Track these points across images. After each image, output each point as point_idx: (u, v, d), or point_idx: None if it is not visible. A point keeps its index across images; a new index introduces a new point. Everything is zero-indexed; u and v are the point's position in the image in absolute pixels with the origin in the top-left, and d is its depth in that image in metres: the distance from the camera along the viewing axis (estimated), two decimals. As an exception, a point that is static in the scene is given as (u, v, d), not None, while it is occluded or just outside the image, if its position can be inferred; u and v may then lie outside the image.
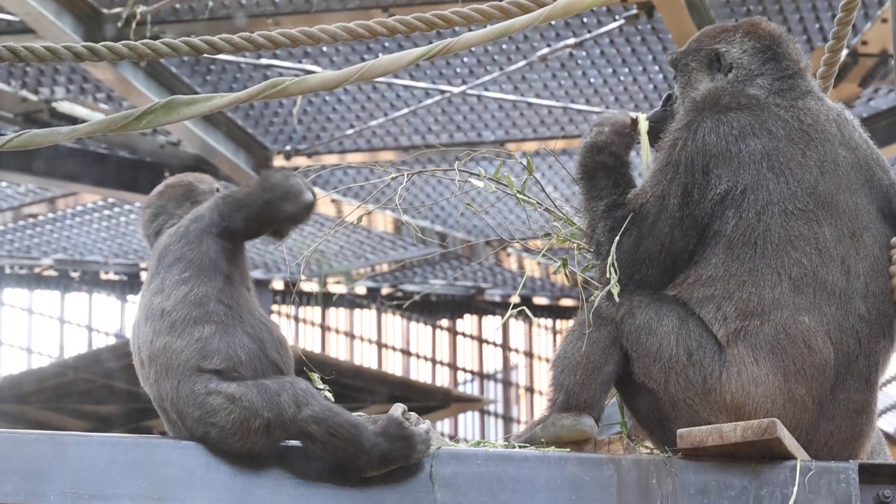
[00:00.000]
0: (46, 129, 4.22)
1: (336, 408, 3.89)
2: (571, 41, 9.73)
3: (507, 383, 16.64)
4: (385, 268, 14.77)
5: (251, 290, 4.16)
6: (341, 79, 4.26)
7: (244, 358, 3.94)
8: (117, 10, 8.75)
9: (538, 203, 4.52)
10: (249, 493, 3.81)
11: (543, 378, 15.38)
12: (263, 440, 3.85)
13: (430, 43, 4.45)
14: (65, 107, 10.34)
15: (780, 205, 4.16)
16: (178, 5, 8.88)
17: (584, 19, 9.54)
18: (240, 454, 3.84)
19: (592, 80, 10.37)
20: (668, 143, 4.31)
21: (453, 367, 16.53)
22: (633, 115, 4.48)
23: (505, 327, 16.55)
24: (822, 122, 4.30)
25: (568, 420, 4.19)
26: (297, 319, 15.91)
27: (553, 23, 9.51)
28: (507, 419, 16.47)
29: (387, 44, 9.29)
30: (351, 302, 15.83)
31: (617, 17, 9.42)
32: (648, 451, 4.29)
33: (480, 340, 16.68)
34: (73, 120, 9.98)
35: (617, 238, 4.24)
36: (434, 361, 16.46)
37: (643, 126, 4.46)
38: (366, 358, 16.22)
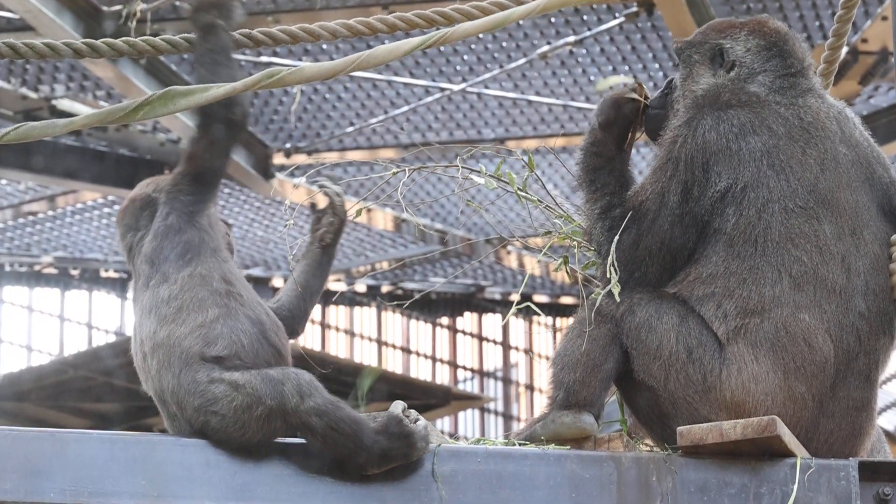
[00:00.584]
0: (43, 122, 4.20)
1: (339, 402, 3.90)
2: (571, 39, 9.72)
3: (507, 381, 16.64)
4: (385, 266, 14.76)
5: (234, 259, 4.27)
6: (337, 68, 4.25)
7: (246, 343, 3.97)
8: (117, 7, 8.74)
9: (539, 200, 4.52)
10: (249, 491, 3.81)
11: (543, 376, 15.38)
12: (264, 430, 3.85)
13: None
14: (64, 104, 10.34)
15: (780, 202, 4.16)
16: (177, 2, 8.87)
17: (584, 17, 9.54)
18: (239, 447, 3.84)
19: (593, 78, 10.37)
20: (668, 139, 4.31)
21: (453, 364, 16.54)
22: (630, 94, 4.47)
23: (505, 325, 16.55)
24: (822, 119, 4.30)
25: (568, 418, 4.19)
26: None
27: (553, 20, 9.51)
28: (507, 417, 16.47)
29: (386, 42, 9.28)
30: (351, 300, 15.83)
31: (617, 14, 9.42)
32: (648, 448, 4.29)
33: (480, 338, 16.68)
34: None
35: (616, 237, 4.24)
36: (434, 359, 16.46)
37: (638, 92, 4.47)
38: (366, 356, 16.22)
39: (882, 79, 9.67)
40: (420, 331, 16.53)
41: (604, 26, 9.55)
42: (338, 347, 16.21)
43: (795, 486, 3.91)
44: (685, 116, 4.31)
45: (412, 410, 3.93)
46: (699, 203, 4.21)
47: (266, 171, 11.30)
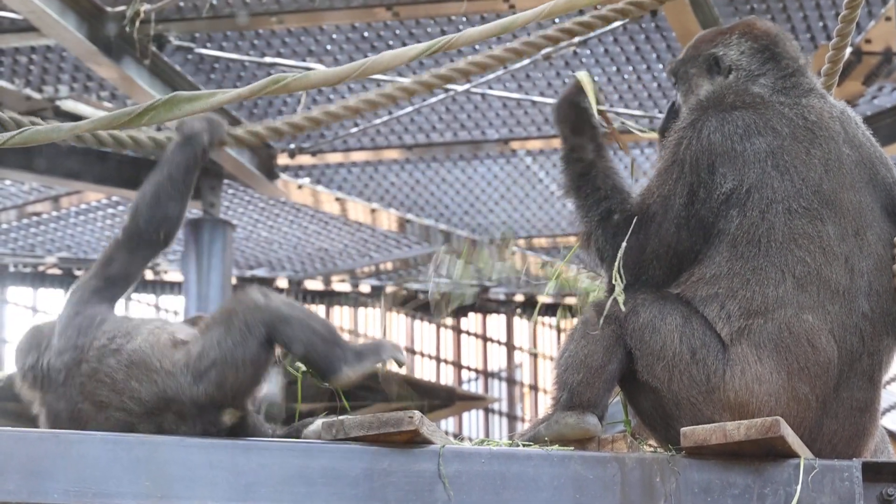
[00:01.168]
0: (48, 126, 4.21)
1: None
2: (575, 39, 9.70)
3: (511, 382, 16.63)
4: (389, 266, 14.75)
5: None
6: (343, 75, 4.26)
7: None
8: (121, 8, 8.74)
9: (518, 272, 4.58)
10: (253, 492, 3.81)
11: (547, 376, 15.38)
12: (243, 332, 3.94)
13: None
14: (69, 105, 10.33)
15: (784, 203, 4.16)
16: (181, 3, 8.87)
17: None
18: (237, 441, 3.85)
19: (596, 79, 10.34)
20: (672, 142, 4.31)
21: (457, 365, 16.53)
22: (574, 88, 4.51)
23: (509, 326, 16.54)
24: (825, 119, 4.30)
25: (572, 418, 4.19)
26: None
27: (556, 20, 9.51)
28: (511, 417, 16.46)
29: (391, 42, 9.29)
30: (355, 300, 15.83)
31: (620, 15, 9.38)
32: (652, 449, 4.29)
33: (485, 339, 16.67)
34: (77, 118, 9.97)
35: (624, 243, 4.24)
36: (438, 360, 16.46)
37: (584, 81, 4.50)
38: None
39: (886, 79, 9.65)
40: (424, 331, 16.53)
41: (607, 27, 9.53)
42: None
43: (799, 487, 3.90)
44: (689, 118, 4.31)
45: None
46: (705, 205, 4.21)
47: (270, 171, 11.29)
